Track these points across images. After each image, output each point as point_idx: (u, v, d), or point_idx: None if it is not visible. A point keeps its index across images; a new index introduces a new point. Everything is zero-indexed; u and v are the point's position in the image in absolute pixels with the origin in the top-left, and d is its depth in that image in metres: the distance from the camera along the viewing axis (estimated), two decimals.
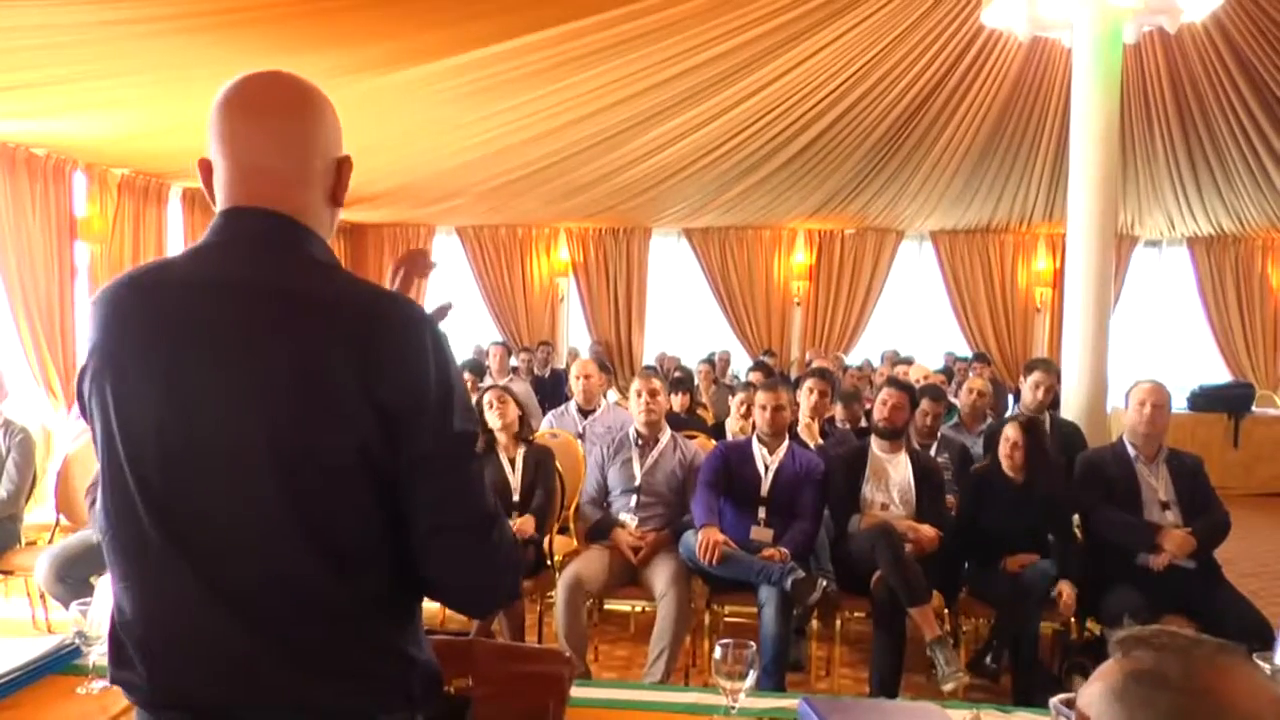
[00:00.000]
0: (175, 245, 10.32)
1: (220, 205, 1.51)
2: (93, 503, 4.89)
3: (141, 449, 1.40)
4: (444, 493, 1.43)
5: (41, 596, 5.30)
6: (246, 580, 1.39)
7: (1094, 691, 1.13)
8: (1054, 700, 1.19)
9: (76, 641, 2.40)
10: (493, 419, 5.17)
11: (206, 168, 1.54)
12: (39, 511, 6.10)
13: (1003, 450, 4.95)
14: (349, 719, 1.44)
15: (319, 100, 1.55)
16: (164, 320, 1.43)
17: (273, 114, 1.51)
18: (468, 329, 14.15)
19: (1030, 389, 6.02)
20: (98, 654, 2.36)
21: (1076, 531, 5.10)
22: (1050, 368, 6.24)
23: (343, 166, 1.57)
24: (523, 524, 4.88)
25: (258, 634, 1.39)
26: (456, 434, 1.44)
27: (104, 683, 2.36)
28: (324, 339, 1.38)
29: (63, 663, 2.47)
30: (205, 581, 1.39)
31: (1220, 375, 12.97)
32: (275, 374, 1.37)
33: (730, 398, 7.14)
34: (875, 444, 5.07)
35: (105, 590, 2.57)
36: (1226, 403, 11.23)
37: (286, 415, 1.36)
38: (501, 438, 5.19)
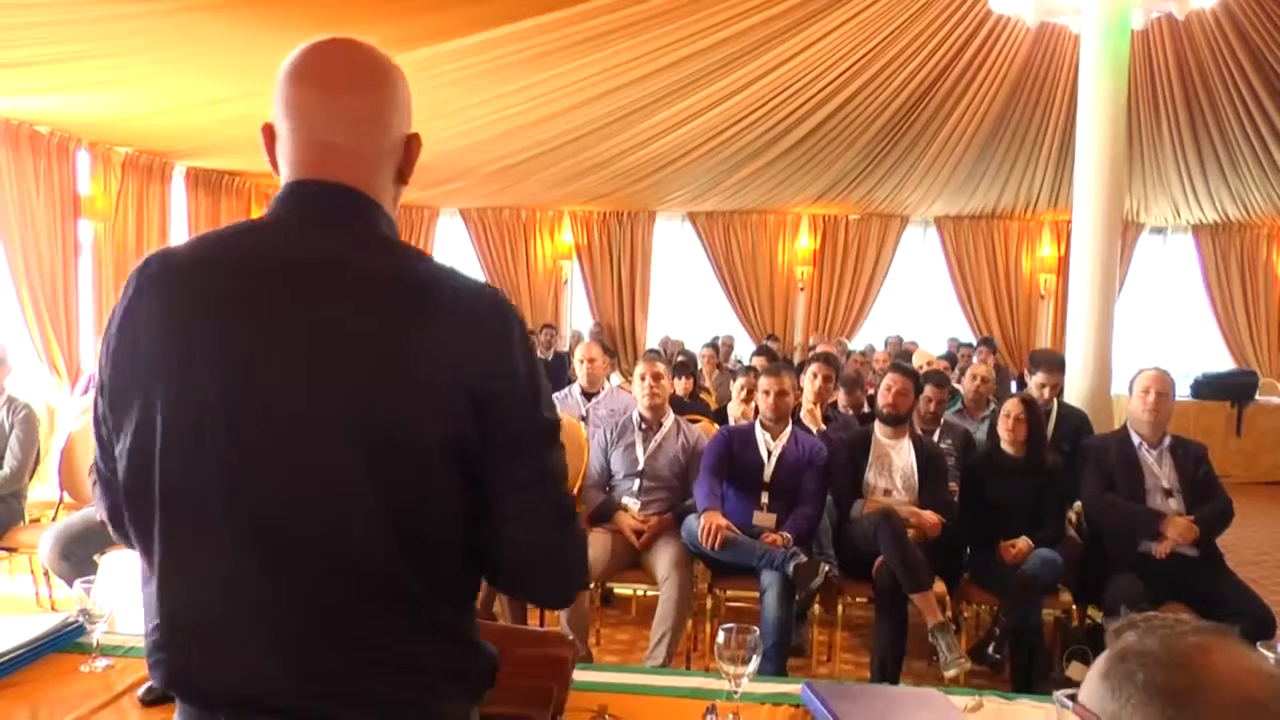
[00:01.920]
0: (178, 224, 10.35)
1: (285, 178, 1.46)
2: (95, 482, 4.88)
3: (212, 430, 1.33)
4: (530, 479, 1.41)
5: (45, 574, 5.31)
6: (319, 569, 1.34)
7: (1088, 679, 1.15)
8: (1058, 694, 1.20)
9: (80, 619, 2.39)
10: None
11: (270, 134, 1.47)
12: (42, 489, 6.10)
13: (1004, 425, 4.95)
14: (407, 712, 1.40)
15: (392, 74, 1.49)
16: (244, 295, 1.37)
17: (344, 89, 1.44)
18: None
19: (1035, 388, 6.00)
20: (101, 632, 2.37)
21: (1072, 515, 5.11)
22: (1055, 366, 6.20)
23: (411, 143, 1.51)
24: None
25: (324, 622, 1.35)
26: (545, 420, 1.42)
27: (107, 661, 2.37)
28: (420, 324, 1.34)
29: (66, 640, 2.46)
30: (273, 569, 1.34)
31: (1224, 363, 12.93)
32: (369, 359, 1.32)
33: (732, 382, 7.14)
34: (879, 429, 5.07)
35: (109, 569, 2.58)
36: (1230, 391, 11.21)
37: (382, 402, 1.31)
38: None
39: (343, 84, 1.44)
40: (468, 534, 1.40)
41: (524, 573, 1.49)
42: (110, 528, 1.58)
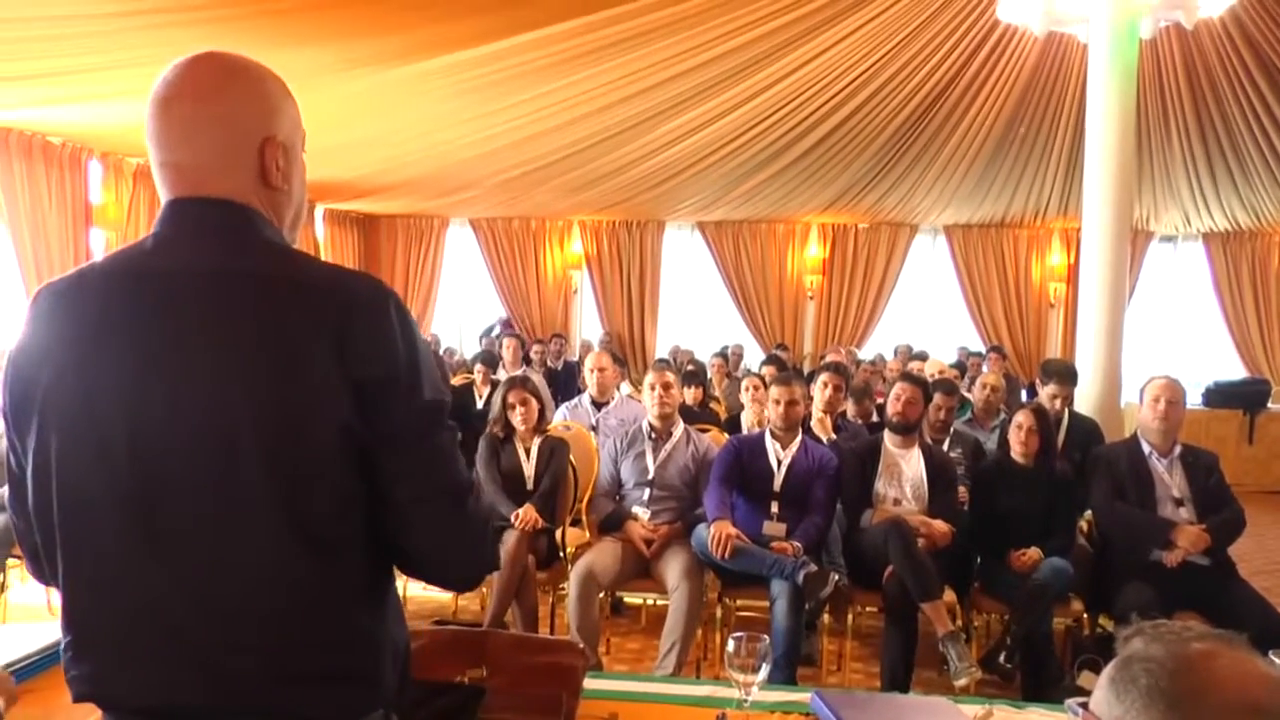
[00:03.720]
0: None
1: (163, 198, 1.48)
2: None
3: (109, 441, 1.35)
4: (418, 462, 1.42)
5: None
6: (224, 578, 1.35)
7: (1097, 686, 1.16)
8: (1071, 701, 1.21)
9: None
10: (515, 420, 5.17)
11: None
12: None
13: (1016, 437, 4.94)
14: None
15: (236, 78, 1.47)
16: (129, 310, 1.39)
17: (174, 101, 1.44)
18: (482, 322, 14.25)
19: (1047, 399, 5.98)
20: None
21: (1083, 524, 5.10)
22: (1067, 377, 6.17)
23: (265, 148, 1.46)
24: (525, 513, 4.89)
25: (233, 631, 1.36)
26: (427, 403, 1.42)
27: None
28: (299, 321, 1.36)
29: None
30: (179, 579, 1.35)
31: (1236, 371, 12.91)
32: (254, 359, 1.34)
33: (742, 392, 7.15)
34: (888, 439, 5.07)
35: None
36: (1242, 399, 11.17)
37: (270, 401, 1.33)
38: (520, 428, 5.21)
39: (174, 97, 1.44)
40: (368, 527, 1.41)
41: (426, 557, 1.50)
42: (35, 570, 1.56)
